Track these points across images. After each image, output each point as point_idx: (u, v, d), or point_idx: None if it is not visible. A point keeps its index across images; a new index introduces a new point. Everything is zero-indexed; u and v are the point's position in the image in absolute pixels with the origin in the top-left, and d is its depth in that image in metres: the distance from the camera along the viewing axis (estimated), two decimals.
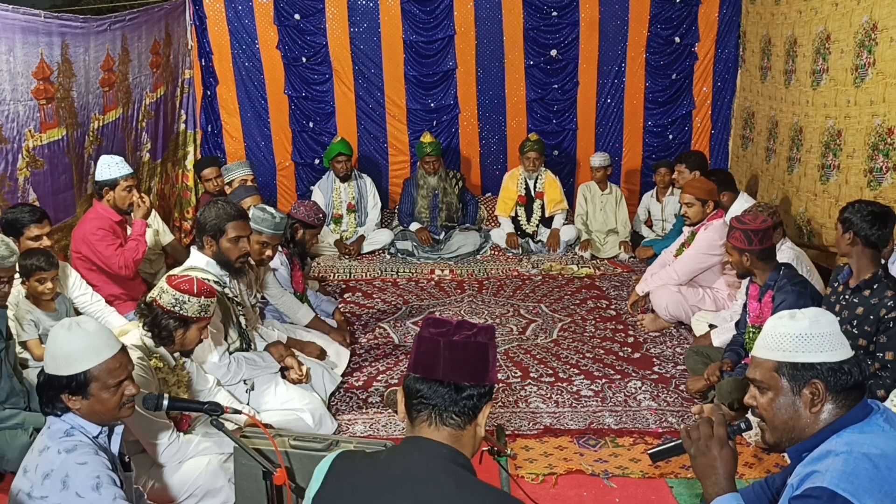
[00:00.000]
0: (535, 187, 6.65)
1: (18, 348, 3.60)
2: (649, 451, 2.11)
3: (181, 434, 2.81)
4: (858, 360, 1.81)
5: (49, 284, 3.59)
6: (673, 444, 2.04)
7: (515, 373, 4.30)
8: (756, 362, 1.87)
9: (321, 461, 1.63)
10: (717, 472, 1.86)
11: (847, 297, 3.29)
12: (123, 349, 2.21)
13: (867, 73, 4.50)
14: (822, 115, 5.09)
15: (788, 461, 3.04)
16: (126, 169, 4.39)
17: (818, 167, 5.14)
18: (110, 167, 4.33)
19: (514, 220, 6.70)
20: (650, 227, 6.64)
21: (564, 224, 6.66)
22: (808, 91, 5.32)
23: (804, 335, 1.77)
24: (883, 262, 3.33)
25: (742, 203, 4.95)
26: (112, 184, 4.32)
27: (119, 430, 2.23)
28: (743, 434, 1.98)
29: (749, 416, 3.17)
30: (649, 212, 6.67)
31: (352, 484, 1.56)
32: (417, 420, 1.59)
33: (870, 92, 4.48)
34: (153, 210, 5.45)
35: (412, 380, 1.60)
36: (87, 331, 2.13)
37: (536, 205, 6.66)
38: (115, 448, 2.21)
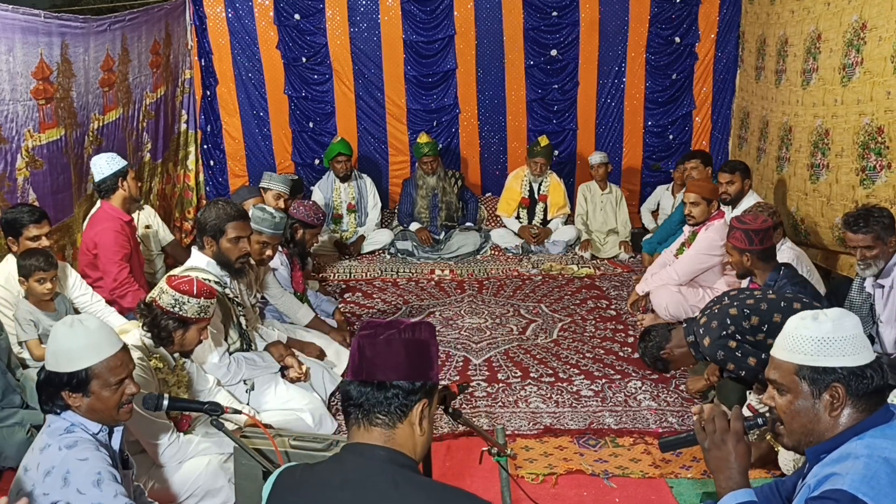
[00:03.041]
0: (539, 190, 6.66)
1: (18, 348, 3.60)
2: (660, 441, 2.07)
3: (181, 434, 2.81)
4: (881, 363, 1.76)
5: (48, 285, 3.58)
6: (685, 435, 2.00)
7: (515, 373, 4.29)
8: (776, 363, 1.83)
9: (267, 481, 1.62)
10: (731, 467, 1.83)
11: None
12: (125, 347, 2.21)
13: (854, 72, 4.50)
14: (811, 115, 5.10)
15: (782, 468, 3.07)
16: (123, 160, 4.45)
17: (807, 166, 5.13)
18: (110, 162, 4.35)
19: (517, 220, 6.72)
20: (655, 219, 6.62)
21: (564, 224, 6.67)
22: (799, 91, 5.32)
23: (826, 339, 1.73)
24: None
25: (751, 201, 4.96)
26: (124, 171, 4.35)
27: (119, 428, 2.23)
28: (748, 432, 1.93)
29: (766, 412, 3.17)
30: (659, 204, 6.64)
31: (293, 500, 1.55)
32: (350, 424, 1.58)
33: (857, 91, 4.47)
34: (153, 210, 5.46)
35: (344, 384, 1.61)
36: (89, 328, 2.13)
37: (539, 207, 6.68)
38: (115, 445, 2.21)
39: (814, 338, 1.75)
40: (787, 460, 3.06)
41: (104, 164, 4.33)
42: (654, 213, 6.70)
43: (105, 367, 2.11)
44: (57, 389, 2.10)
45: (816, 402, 1.75)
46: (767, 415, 1.93)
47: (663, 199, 6.62)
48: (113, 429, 2.21)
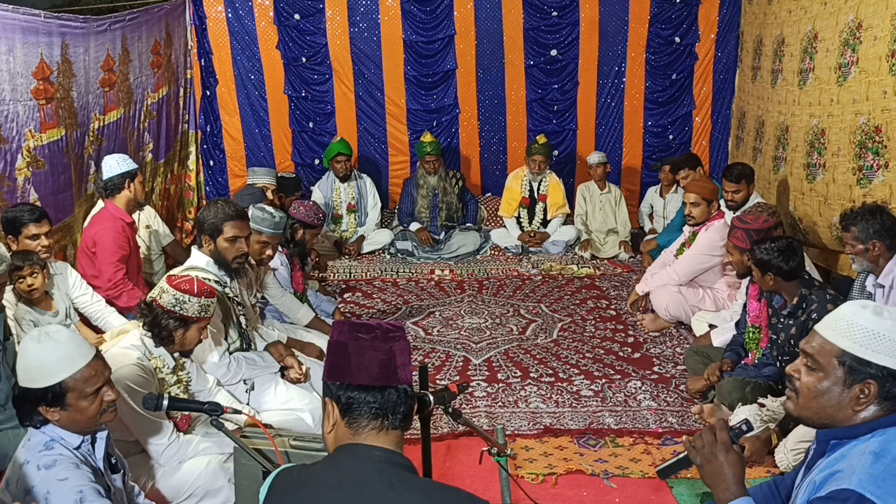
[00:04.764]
0: (538, 189, 6.67)
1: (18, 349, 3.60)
2: (657, 469, 2.10)
3: (181, 434, 2.81)
4: None
5: (29, 280, 3.53)
6: (679, 457, 2.02)
7: (515, 373, 4.29)
8: (818, 340, 1.79)
9: (264, 482, 1.62)
10: (725, 478, 1.84)
11: (783, 321, 3.49)
12: (98, 355, 2.15)
13: (850, 71, 4.50)
14: (807, 115, 5.10)
15: (780, 468, 3.07)
16: (135, 163, 4.49)
17: (804, 166, 5.13)
18: (121, 162, 4.38)
19: (517, 221, 6.74)
20: (652, 221, 6.64)
21: (563, 224, 6.68)
22: (795, 90, 5.32)
23: (882, 335, 1.70)
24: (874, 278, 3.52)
25: (752, 201, 4.96)
26: (133, 174, 4.37)
27: (102, 435, 2.18)
28: (746, 434, 1.95)
29: (748, 416, 3.18)
30: (652, 206, 6.68)
31: (290, 500, 1.55)
32: (367, 428, 1.55)
33: (853, 90, 4.47)
34: (153, 210, 5.46)
35: (358, 390, 1.54)
36: (58, 341, 2.07)
37: (539, 207, 6.69)
38: (99, 454, 2.16)
39: (869, 329, 1.71)
40: (785, 457, 3.06)
41: (114, 164, 4.37)
42: (650, 215, 6.72)
43: (79, 379, 2.05)
44: (33, 405, 2.05)
45: (844, 391, 1.73)
46: (750, 421, 1.96)
47: (654, 201, 6.66)
48: (96, 437, 2.16)
